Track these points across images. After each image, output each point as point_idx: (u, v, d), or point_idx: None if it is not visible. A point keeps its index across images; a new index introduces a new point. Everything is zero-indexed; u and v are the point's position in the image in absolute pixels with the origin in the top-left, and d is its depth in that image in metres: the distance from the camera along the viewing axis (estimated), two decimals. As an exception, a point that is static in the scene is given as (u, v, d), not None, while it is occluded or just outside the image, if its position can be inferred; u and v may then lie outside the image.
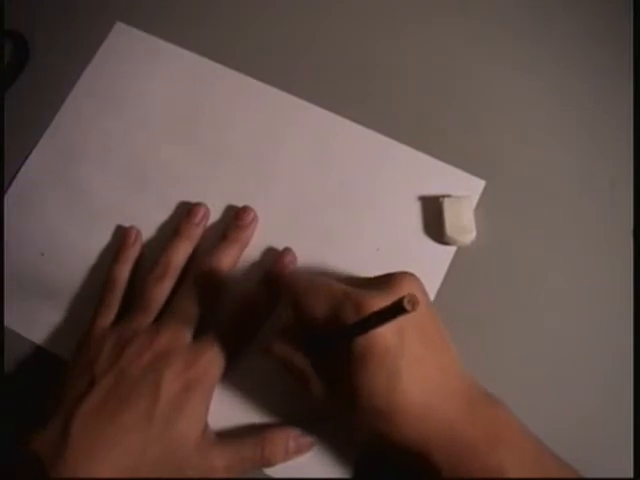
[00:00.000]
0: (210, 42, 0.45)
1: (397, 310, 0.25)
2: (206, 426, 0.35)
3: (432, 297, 0.38)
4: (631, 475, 0.31)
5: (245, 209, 0.40)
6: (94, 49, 0.46)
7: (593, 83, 0.42)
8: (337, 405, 0.32)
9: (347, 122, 0.42)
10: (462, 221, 0.38)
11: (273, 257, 0.39)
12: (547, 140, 0.41)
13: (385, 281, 0.32)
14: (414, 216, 0.40)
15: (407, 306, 0.24)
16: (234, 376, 0.37)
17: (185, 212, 0.40)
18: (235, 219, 0.39)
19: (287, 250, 0.39)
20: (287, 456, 0.35)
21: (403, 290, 0.31)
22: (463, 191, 0.40)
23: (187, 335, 0.36)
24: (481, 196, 0.40)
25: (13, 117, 0.45)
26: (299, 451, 0.35)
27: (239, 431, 0.36)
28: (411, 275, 0.32)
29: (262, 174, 0.41)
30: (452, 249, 0.39)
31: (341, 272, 0.39)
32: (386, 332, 0.29)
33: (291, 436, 0.35)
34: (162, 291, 0.37)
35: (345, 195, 0.41)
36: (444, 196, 0.39)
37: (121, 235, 0.40)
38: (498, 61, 0.43)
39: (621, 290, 0.38)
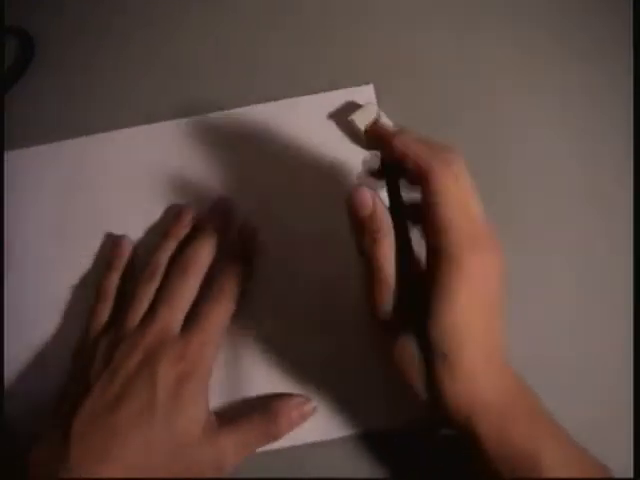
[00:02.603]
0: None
1: None
2: (209, 413, 0.35)
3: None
4: (631, 475, 0.31)
5: (220, 199, 0.41)
6: (98, 47, 0.46)
7: (593, 82, 0.42)
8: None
9: (235, 111, 0.43)
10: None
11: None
12: (546, 139, 0.41)
13: None
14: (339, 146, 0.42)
15: None
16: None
17: (174, 215, 0.40)
18: (211, 210, 0.40)
19: (246, 224, 0.40)
20: (292, 427, 0.36)
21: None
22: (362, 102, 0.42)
23: (176, 326, 0.36)
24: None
25: (14, 116, 0.45)
26: (303, 419, 0.36)
27: (240, 408, 0.37)
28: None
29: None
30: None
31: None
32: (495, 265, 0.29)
33: (293, 405, 0.36)
34: (150, 291, 0.37)
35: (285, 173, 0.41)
36: (349, 116, 0.41)
37: (110, 244, 0.40)
38: (499, 63, 0.43)
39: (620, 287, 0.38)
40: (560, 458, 0.29)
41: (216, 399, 0.37)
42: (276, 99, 0.43)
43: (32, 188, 0.42)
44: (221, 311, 0.37)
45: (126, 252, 0.40)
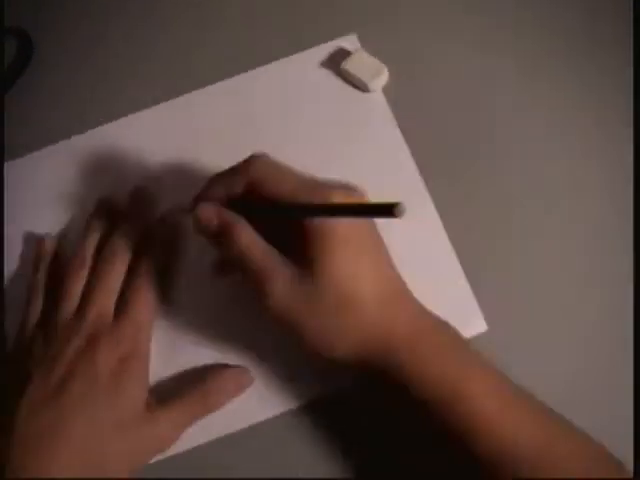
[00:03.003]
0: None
1: (384, 211, 0.24)
2: (149, 394, 0.36)
3: (398, 136, 0.41)
4: (631, 475, 0.31)
5: (138, 187, 0.41)
6: (96, 47, 0.47)
7: (593, 82, 0.42)
8: (300, 300, 0.30)
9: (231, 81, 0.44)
10: (368, 65, 0.42)
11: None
12: (546, 139, 0.41)
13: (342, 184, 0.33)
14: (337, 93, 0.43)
15: (398, 213, 0.24)
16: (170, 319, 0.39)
17: (94, 207, 0.41)
18: (130, 196, 0.41)
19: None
20: (229, 398, 0.36)
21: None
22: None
23: (109, 312, 0.37)
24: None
25: (14, 116, 0.45)
26: (240, 389, 0.36)
27: (178, 382, 0.37)
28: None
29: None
30: (379, 95, 0.43)
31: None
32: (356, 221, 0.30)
33: (228, 377, 0.36)
34: (78, 280, 0.38)
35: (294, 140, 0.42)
36: (340, 65, 0.42)
37: (36, 243, 0.41)
38: (498, 65, 0.43)
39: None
40: (483, 387, 0.30)
41: (154, 376, 0.37)
42: (262, 64, 0.44)
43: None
44: (148, 295, 0.38)
45: (48, 250, 0.40)
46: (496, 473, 0.29)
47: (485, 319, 0.37)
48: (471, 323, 0.36)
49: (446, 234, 0.39)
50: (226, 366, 0.37)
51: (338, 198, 0.30)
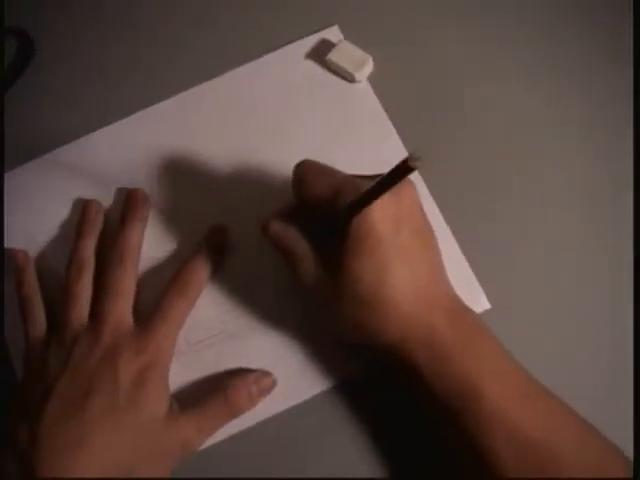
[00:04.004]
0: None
1: (402, 171, 0.24)
2: (171, 400, 0.36)
3: (388, 124, 0.42)
4: (631, 475, 0.31)
5: (135, 189, 0.41)
6: (96, 47, 0.47)
7: (593, 81, 0.42)
8: (324, 291, 0.32)
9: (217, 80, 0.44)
10: (353, 55, 0.42)
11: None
12: (546, 138, 0.41)
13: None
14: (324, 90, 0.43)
15: (413, 163, 0.23)
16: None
17: (80, 211, 0.41)
18: (128, 199, 0.41)
19: (220, 224, 0.40)
20: (253, 401, 0.36)
21: (402, 190, 0.31)
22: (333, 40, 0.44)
23: (128, 318, 0.37)
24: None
25: (13, 115, 0.45)
26: (263, 393, 0.36)
27: (201, 388, 0.37)
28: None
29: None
30: (366, 85, 0.43)
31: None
32: (383, 224, 0.30)
33: (251, 381, 0.36)
34: (84, 284, 0.37)
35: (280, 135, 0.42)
36: (326, 57, 0.43)
37: (10, 257, 0.40)
38: (498, 66, 0.43)
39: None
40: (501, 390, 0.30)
41: (177, 380, 0.37)
42: (246, 61, 0.44)
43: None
44: (183, 305, 0.37)
45: (27, 260, 0.40)
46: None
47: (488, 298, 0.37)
48: (474, 301, 0.37)
49: (443, 217, 0.39)
50: (248, 370, 0.37)
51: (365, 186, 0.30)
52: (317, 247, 0.33)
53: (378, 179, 0.27)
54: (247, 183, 0.41)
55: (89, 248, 0.39)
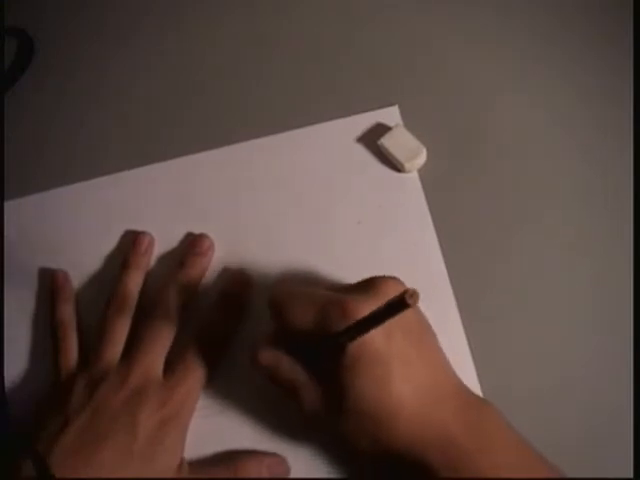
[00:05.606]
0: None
1: (397, 307, 0.24)
2: (182, 459, 0.35)
3: (428, 221, 0.39)
4: (631, 475, 0.31)
5: (201, 236, 0.40)
6: (96, 47, 0.47)
7: (594, 81, 0.42)
8: (329, 413, 0.31)
9: (259, 141, 0.43)
10: (407, 145, 0.40)
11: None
12: (546, 138, 0.41)
13: (367, 285, 0.32)
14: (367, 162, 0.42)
15: (410, 300, 0.23)
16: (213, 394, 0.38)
17: (130, 243, 0.40)
18: (191, 246, 0.39)
19: (241, 271, 0.39)
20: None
21: (389, 292, 0.31)
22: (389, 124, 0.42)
23: (159, 368, 0.36)
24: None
25: (15, 115, 0.44)
26: (273, 476, 0.35)
27: (214, 458, 0.36)
28: (393, 278, 0.32)
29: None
30: (414, 176, 0.41)
31: (325, 274, 0.39)
32: (374, 336, 0.29)
33: (264, 464, 0.35)
34: (123, 324, 0.37)
35: (304, 206, 0.41)
36: (377, 139, 0.41)
37: (49, 278, 0.40)
38: (498, 66, 0.43)
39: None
40: None
41: (191, 447, 0.36)
42: (300, 126, 0.43)
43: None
44: (209, 360, 0.37)
45: (66, 284, 0.40)
46: None
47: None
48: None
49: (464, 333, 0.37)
50: (264, 453, 0.36)
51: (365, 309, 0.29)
52: (309, 367, 0.32)
53: (374, 310, 0.26)
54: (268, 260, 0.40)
55: (134, 283, 0.38)
